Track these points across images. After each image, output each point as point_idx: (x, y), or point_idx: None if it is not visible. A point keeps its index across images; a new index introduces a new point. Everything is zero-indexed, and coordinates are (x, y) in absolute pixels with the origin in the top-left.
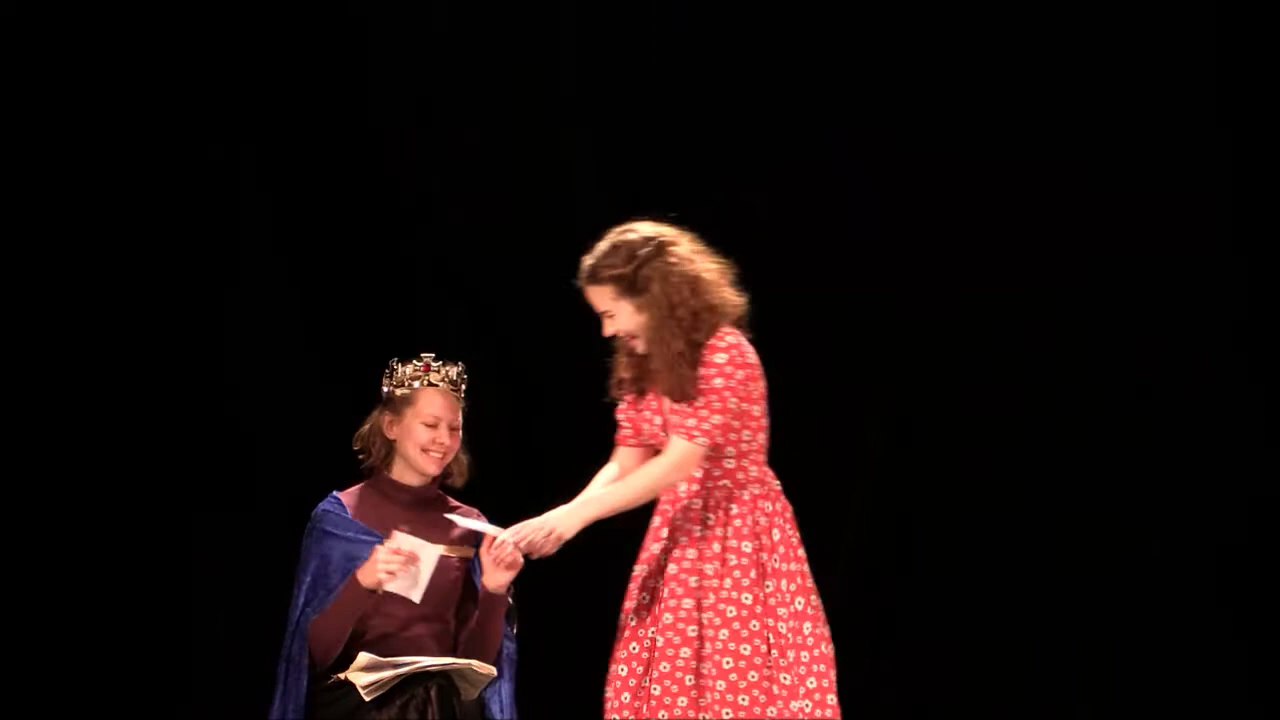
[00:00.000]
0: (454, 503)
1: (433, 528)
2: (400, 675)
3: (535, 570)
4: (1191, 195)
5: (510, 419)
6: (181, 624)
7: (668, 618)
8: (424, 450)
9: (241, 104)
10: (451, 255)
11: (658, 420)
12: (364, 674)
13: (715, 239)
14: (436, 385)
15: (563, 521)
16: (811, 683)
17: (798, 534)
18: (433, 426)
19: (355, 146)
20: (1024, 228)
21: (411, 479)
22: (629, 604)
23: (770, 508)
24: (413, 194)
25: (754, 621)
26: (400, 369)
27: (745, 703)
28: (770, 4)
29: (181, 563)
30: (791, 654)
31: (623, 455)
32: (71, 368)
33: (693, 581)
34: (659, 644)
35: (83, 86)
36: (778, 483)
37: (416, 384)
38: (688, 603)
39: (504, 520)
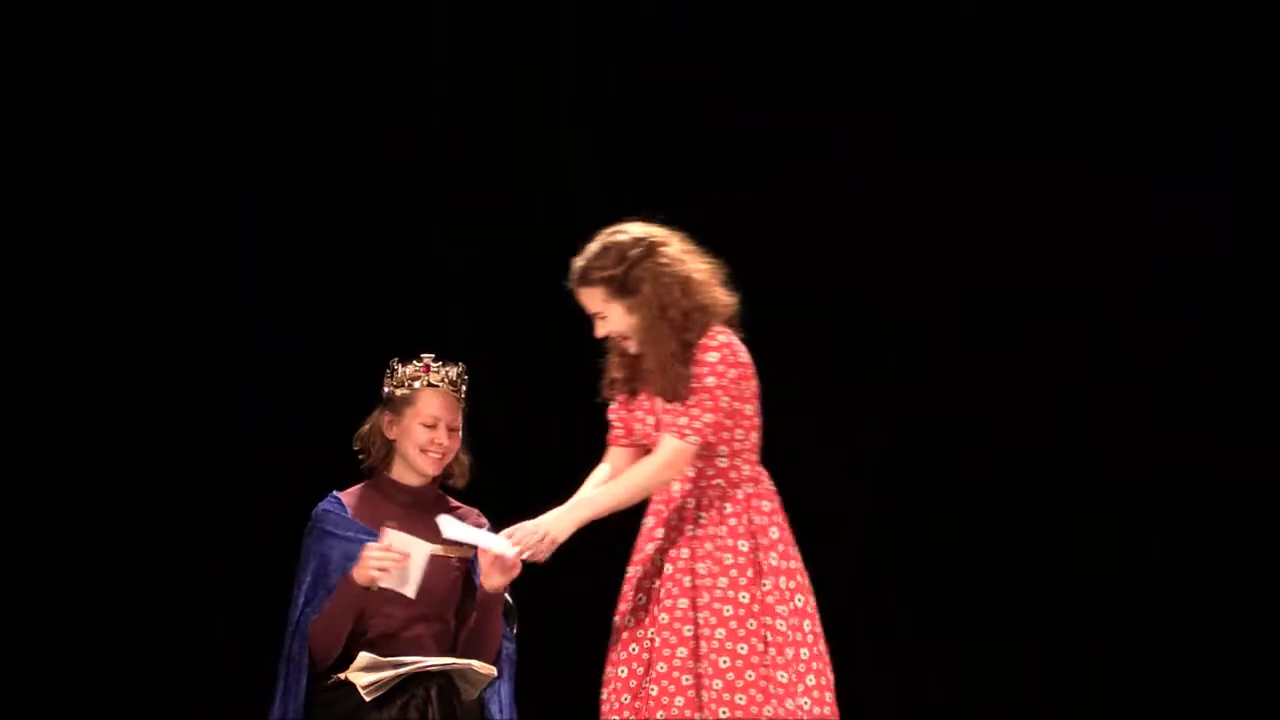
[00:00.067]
0: (454, 503)
1: (427, 525)
2: (400, 675)
3: (534, 571)
4: (1191, 195)
5: (510, 419)
6: (181, 624)
7: (664, 618)
8: (423, 450)
9: (242, 104)
10: (451, 255)
11: (650, 420)
12: (364, 674)
13: (715, 239)
14: (436, 386)
15: (555, 525)
16: (811, 680)
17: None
18: (432, 427)
19: (355, 146)
20: (1024, 228)
21: (411, 479)
22: (624, 605)
23: (766, 506)
24: (413, 194)
25: (751, 620)
26: (400, 369)
27: (743, 702)
28: (770, 4)
29: (181, 563)
30: (790, 651)
31: (614, 455)
32: (72, 368)
33: (687, 581)
34: (655, 644)
35: (83, 87)
36: (771, 482)
37: (416, 384)
38: (683, 602)
39: (503, 521)
